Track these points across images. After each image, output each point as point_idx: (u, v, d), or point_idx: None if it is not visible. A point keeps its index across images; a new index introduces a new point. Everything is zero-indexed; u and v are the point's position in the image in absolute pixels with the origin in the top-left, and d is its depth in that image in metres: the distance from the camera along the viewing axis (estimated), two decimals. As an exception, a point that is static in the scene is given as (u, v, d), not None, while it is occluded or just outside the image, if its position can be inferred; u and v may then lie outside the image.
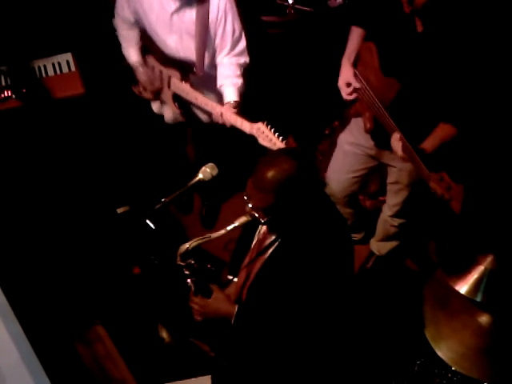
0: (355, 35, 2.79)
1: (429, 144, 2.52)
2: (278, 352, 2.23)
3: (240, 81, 2.88)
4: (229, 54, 2.86)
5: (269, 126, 2.57)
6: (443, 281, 2.36)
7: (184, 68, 2.94)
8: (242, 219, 2.16)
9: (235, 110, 2.78)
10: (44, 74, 3.34)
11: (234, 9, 2.79)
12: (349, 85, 2.76)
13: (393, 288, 3.16)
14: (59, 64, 3.38)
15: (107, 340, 2.68)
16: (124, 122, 3.82)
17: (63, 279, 2.88)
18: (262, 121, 2.60)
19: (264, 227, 2.33)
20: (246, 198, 2.08)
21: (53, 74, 3.35)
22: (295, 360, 2.24)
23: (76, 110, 3.33)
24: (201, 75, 2.92)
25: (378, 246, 3.45)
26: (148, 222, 2.49)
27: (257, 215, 2.09)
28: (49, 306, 2.65)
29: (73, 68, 3.37)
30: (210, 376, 2.62)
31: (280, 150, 2.32)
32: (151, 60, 3.02)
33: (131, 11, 2.89)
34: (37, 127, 3.29)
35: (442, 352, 2.32)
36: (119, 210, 2.66)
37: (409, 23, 2.46)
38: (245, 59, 2.91)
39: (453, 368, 2.36)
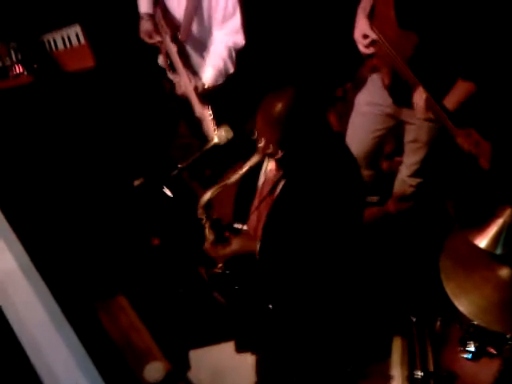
0: None
1: (448, 103, 2.49)
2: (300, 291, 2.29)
3: (222, 64, 2.88)
4: (219, 27, 2.85)
5: (211, 115, 2.71)
6: (462, 236, 2.36)
7: (178, 30, 2.93)
8: (254, 159, 2.17)
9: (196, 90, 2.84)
10: (54, 48, 3.33)
11: None
12: (365, 37, 2.69)
13: (412, 245, 3.16)
14: (68, 37, 3.36)
15: (130, 310, 2.72)
16: (135, 94, 3.81)
17: (84, 252, 2.92)
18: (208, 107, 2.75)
19: (270, 165, 2.33)
20: (255, 136, 2.09)
21: (63, 47, 3.34)
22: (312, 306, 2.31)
23: (87, 83, 3.33)
24: (184, 40, 2.92)
25: (395, 206, 3.44)
26: (165, 189, 2.50)
27: (269, 151, 2.09)
28: (71, 279, 2.69)
29: (82, 40, 3.36)
30: (233, 342, 2.66)
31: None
32: (158, 13, 2.99)
33: None
34: (49, 102, 3.30)
35: (463, 306, 2.32)
36: (135, 183, 2.68)
37: None
38: (236, 40, 2.88)
39: (474, 322, 2.37)
